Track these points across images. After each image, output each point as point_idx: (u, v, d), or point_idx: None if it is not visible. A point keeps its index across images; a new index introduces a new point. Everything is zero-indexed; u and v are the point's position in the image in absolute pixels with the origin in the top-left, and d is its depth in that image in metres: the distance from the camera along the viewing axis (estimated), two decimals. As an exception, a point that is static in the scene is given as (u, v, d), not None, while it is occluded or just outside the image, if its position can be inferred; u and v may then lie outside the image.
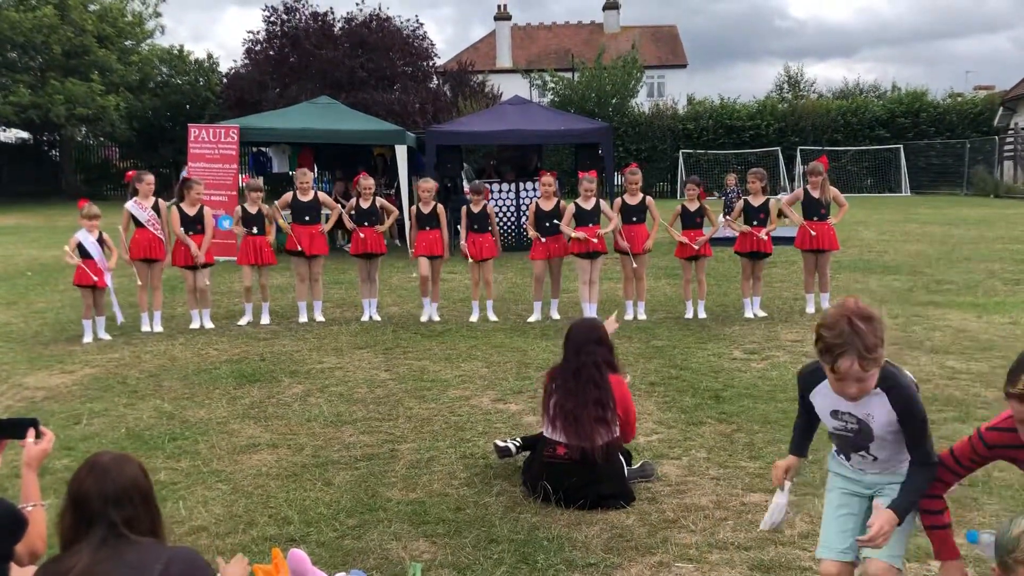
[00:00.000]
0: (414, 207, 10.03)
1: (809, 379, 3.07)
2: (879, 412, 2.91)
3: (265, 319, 9.76)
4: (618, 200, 9.85)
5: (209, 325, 9.51)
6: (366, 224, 9.96)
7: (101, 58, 35.25)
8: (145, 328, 9.33)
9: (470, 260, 9.82)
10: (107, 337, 8.97)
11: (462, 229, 9.87)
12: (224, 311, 10.41)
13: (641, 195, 9.82)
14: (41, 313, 10.46)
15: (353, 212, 10.03)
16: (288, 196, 9.98)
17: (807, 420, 3.28)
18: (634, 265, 9.62)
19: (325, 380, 7.24)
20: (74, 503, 2.47)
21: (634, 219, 9.71)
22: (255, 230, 9.72)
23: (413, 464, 5.25)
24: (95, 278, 8.82)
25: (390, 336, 8.99)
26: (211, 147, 15.73)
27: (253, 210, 9.77)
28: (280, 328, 9.50)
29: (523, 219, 16.94)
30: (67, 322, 9.86)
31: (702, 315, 9.72)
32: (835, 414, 3.01)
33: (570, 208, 9.57)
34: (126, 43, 39.00)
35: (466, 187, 18.89)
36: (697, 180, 10.07)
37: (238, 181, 16.12)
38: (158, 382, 7.22)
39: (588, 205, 9.53)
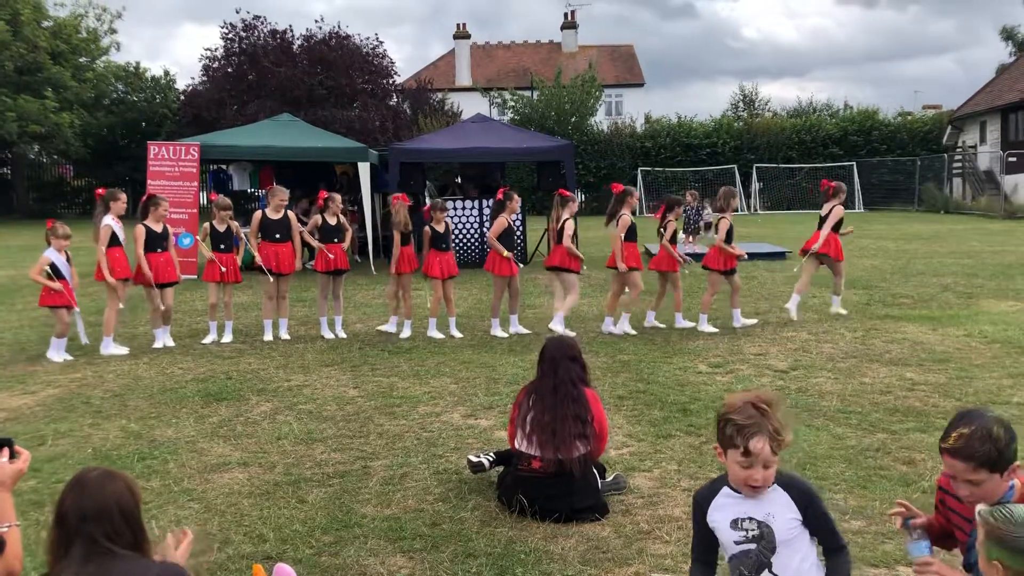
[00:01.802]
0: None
1: (706, 496, 2.95)
2: (779, 510, 2.84)
3: (228, 337, 9.69)
4: (627, 219, 9.73)
5: (170, 343, 9.41)
6: (335, 241, 9.96)
7: (55, 75, 34.76)
8: (158, 345, 9.33)
9: (431, 279, 9.84)
10: (70, 357, 8.83)
11: (425, 247, 9.91)
12: (187, 330, 10.31)
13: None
14: (-2, 333, 10.26)
15: (316, 230, 10.02)
16: (259, 215, 9.90)
17: (706, 550, 3.02)
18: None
19: (293, 398, 7.21)
20: (57, 519, 2.47)
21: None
22: (222, 247, 9.67)
23: (386, 480, 5.25)
24: (69, 299, 8.73)
25: (357, 353, 8.97)
26: (171, 165, 15.59)
27: (221, 228, 9.73)
28: (245, 346, 9.43)
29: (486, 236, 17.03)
30: (26, 342, 9.69)
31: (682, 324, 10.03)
32: (735, 524, 2.87)
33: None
34: (80, 60, 38.52)
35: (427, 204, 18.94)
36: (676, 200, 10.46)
37: (199, 199, 16.00)
38: (123, 402, 7.13)
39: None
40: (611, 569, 4.04)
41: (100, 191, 9.50)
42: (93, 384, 7.78)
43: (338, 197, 10.28)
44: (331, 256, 9.88)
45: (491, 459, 5.15)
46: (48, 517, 4.36)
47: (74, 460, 5.60)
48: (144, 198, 9.54)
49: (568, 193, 10.32)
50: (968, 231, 23.24)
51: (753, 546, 2.84)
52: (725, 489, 2.90)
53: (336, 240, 9.97)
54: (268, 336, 9.73)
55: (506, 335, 9.73)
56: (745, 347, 8.91)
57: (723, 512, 2.90)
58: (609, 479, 4.99)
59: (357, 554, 4.21)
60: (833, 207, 10.30)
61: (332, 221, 10.03)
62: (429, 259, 9.84)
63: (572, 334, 9.53)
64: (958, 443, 2.76)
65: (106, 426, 6.44)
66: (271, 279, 9.66)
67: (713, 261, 9.95)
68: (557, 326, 9.63)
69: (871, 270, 14.93)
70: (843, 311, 10.53)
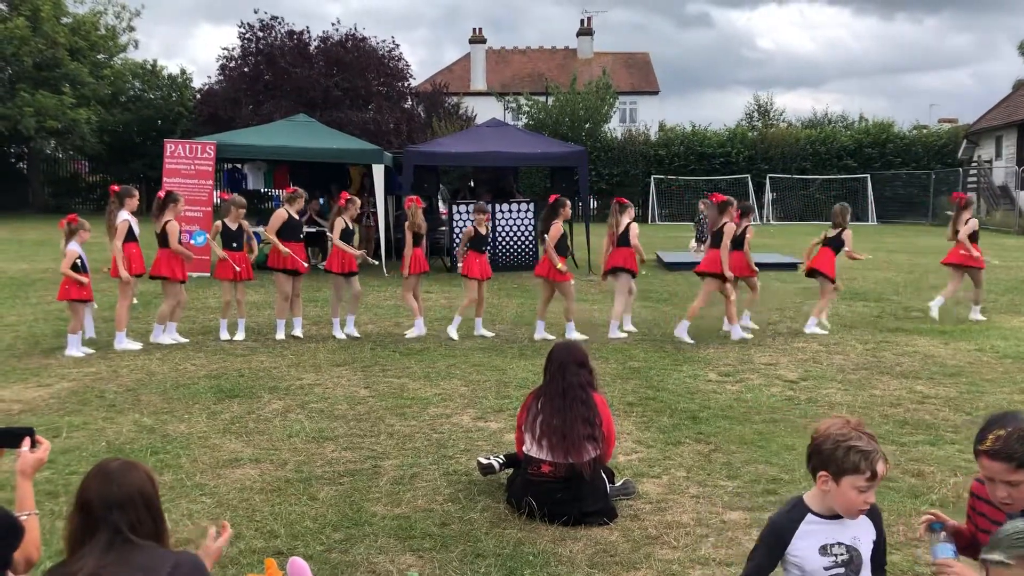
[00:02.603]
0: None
1: (788, 525, 2.86)
2: (863, 533, 2.89)
3: (240, 335, 9.75)
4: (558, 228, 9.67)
5: (182, 340, 9.53)
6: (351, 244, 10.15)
7: (73, 71, 34.94)
8: (164, 340, 9.42)
9: (469, 279, 9.99)
10: (90, 351, 8.91)
11: (461, 249, 10.10)
12: (200, 327, 10.38)
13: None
14: (13, 327, 10.35)
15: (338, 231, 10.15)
16: (284, 214, 9.92)
17: None
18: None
19: (305, 396, 7.26)
20: (80, 508, 2.51)
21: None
22: (234, 245, 9.76)
23: (397, 480, 5.29)
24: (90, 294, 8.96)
25: (368, 354, 9.01)
26: (187, 163, 15.69)
27: (234, 226, 9.82)
28: (257, 344, 9.49)
29: (504, 240, 17.09)
30: (41, 335, 9.78)
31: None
32: (824, 550, 2.84)
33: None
34: (98, 56, 38.70)
35: (442, 207, 19.03)
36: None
37: (214, 197, 16.10)
38: (136, 396, 7.20)
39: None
40: (618, 573, 4.06)
41: (115, 187, 9.58)
42: (107, 378, 7.85)
43: (358, 201, 10.38)
44: (369, 259, 10.11)
45: (501, 461, 5.19)
46: (64, 508, 4.43)
47: (88, 453, 5.66)
48: (163, 195, 9.61)
49: (626, 200, 10.56)
50: (982, 246, 23.09)
51: (842, 570, 2.85)
52: (810, 516, 2.85)
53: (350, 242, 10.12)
54: (280, 335, 9.79)
55: (553, 337, 9.69)
56: (756, 356, 8.91)
57: (811, 539, 2.84)
58: (618, 484, 5.02)
59: (367, 552, 4.25)
60: (968, 220, 11.01)
61: (351, 224, 10.16)
62: (468, 260, 10.00)
63: (584, 338, 9.59)
64: (996, 444, 2.75)
65: (120, 420, 6.50)
66: (305, 269, 9.89)
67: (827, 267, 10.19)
68: (616, 332, 10.00)
69: (883, 283, 14.91)
70: (982, 317, 11.01)
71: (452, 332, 9.85)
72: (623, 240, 9.98)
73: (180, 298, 9.54)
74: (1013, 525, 2.40)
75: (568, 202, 9.89)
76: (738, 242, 9.97)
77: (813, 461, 2.84)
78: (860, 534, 2.87)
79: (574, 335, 9.67)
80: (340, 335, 9.91)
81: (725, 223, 9.74)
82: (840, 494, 2.77)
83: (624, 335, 10.04)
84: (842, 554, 2.83)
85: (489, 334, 10.00)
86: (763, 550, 2.88)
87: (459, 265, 10.02)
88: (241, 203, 10.05)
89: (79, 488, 2.53)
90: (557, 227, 9.62)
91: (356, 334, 9.98)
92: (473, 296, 9.98)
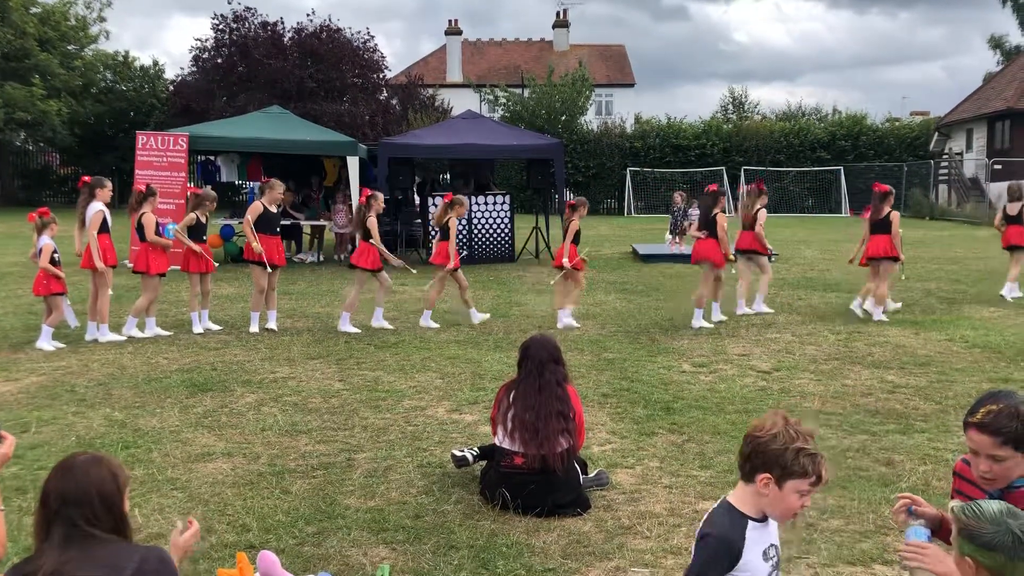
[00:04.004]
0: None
1: (737, 537, 2.65)
2: (776, 530, 2.79)
3: (198, 328, 9.66)
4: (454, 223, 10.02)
5: (165, 333, 9.48)
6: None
7: (43, 62, 34.51)
8: (135, 333, 9.34)
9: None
10: (61, 345, 8.80)
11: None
12: (172, 320, 10.29)
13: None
14: (-19, 320, 10.21)
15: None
16: (259, 207, 9.80)
17: None
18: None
19: (279, 390, 7.22)
20: (40, 502, 2.49)
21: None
22: (204, 239, 9.80)
23: (370, 473, 5.27)
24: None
25: (343, 347, 8.98)
26: (159, 155, 15.53)
27: (203, 219, 9.79)
28: (231, 338, 9.42)
29: (480, 232, 17.07)
30: (10, 329, 9.65)
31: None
32: (765, 555, 2.71)
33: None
34: (69, 47, 38.24)
35: (418, 200, 18.98)
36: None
37: (187, 190, 15.93)
38: (108, 391, 7.12)
39: None
40: (592, 563, 4.08)
41: (86, 178, 9.46)
42: (78, 372, 7.77)
43: (380, 196, 10.25)
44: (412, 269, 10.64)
45: (475, 454, 5.19)
46: (32, 503, 4.38)
47: (57, 448, 5.59)
48: (143, 188, 9.56)
49: (764, 187, 11.39)
50: (953, 237, 23.42)
51: (776, 572, 2.77)
52: (750, 523, 2.68)
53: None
54: (255, 328, 9.72)
55: (578, 325, 10.15)
56: (729, 347, 8.97)
57: (755, 547, 2.68)
58: (592, 475, 5.03)
59: (340, 544, 4.24)
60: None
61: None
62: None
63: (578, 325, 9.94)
64: (986, 418, 2.78)
65: (90, 414, 6.43)
66: (269, 271, 9.67)
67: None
68: (760, 307, 10.80)
69: (856, 274, 15.01)
70: (1020, 293, 11.67)
71: (476, 317, 10.24)
72: (751, 224, 10.83)
73: (156, 292, 9.49)
74: (1000, 505, 2.39)
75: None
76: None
77: (753, 461, 2.64)
78: (775, 531, 2.77)
79: (569, 321, 10.14)
80: (350, 328, 9.79)
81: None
82: (781, 498, 2.61)
83: (757, 311, 10.88)
84: (775, 556, 2.75)
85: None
86: (717, 569, 2.62)
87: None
88: (212, 196, 10.07)
89: (44, 483, 2.51)
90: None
91: (388, 325, 10.05)
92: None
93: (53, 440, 5.81)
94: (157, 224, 9.39)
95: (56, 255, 8.74)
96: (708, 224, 10.22)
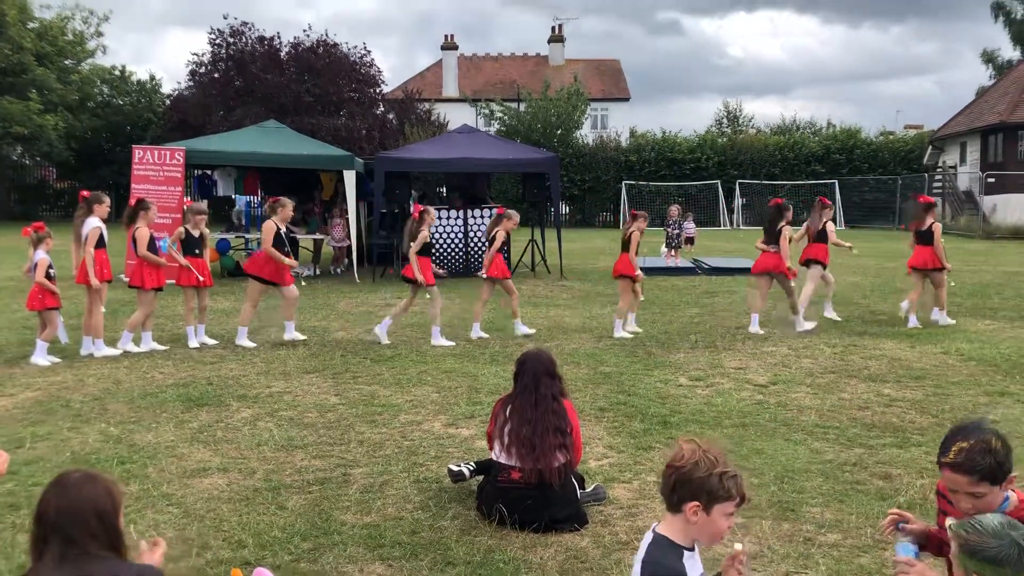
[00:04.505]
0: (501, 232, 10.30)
1: (679, 565, 2.63)
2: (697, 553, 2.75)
3: (194, 343, 9.66)
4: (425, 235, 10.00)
5: (161, 347, 9.47)
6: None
7: (40, 76, 34.57)
8: (134, 348, 9.32)
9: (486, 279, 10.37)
10: (57, 360, 8.78)
11: (492, 252, 10.19)
12: (168, 335, 10.27)
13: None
14: (-24, 335, 10.18)
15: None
16: (274, 227, 9.75)
17: None
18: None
19: (274, 404, 7.20)
20: (35, 519, 2.48)
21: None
22: (196, 252, 9.80)
23: (366, 488, 5.25)
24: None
25: (339, 361, 8.96)
26: (156, 169, 15.53)
27: (196, 233, 9.79)
28: (226, 352, 9.40)
29: (477, 245, 17.07)
30: (5, 344, 9.62)
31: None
32: None
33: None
34: (66, 62, 38.32)
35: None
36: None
37: (183, 204, 15.94)
38: (103, 405, 7.10)
39: None
40: (589, 579, 4.06)
41: (84, 193, 9.46)
42: (73, 387, 7.74)
43: (432, 211, 10.39)
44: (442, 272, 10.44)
45: (471, 468, 5.17)
46: (26, 520, 4.35)
47: (52, 464, 5.57)
48: (134, 202, 9.55)
49: (828, 201, 11.89)
50: (947, 250, 23.41)
51: None
52: (684, 552, 2.66)
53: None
54: (244, 341, 9.69)
55: (628, 335, 10.38)
56: (725, 361, 8.97)
57: (694, 572, 2.67)
58: (589, 490, 5.02)
59: (336, 561, 4.22)
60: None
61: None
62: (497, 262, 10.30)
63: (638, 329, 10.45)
64: (959, 457, 2.76)
65: (85, 430, 6.41)
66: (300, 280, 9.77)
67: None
68: (805, 323, 10.84)
69: (851, 287, 15.07)
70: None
71: (522, 328, 10.43)
72: (821, 236, 11.20)
73: (152, 307, 9.47)
74: (1000, 518, 2.39)
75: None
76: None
77: (679, 492, 2.63)
78: (699, 557, 2.74)
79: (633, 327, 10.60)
80: (447, 342, 9.90)
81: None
82: (710, 523, 2.62)
83: (834, 317, 11.43)
84: None
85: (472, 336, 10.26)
86: None
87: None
88: (200, 210, 10.13)
89: (38, 499, 2.50)
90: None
91: (485, 334, 10.29)
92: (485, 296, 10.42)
93: (48, 456, 5.78)
94: (152, 239, 9.38)
95: (52, 270, 8.73)
96: (774, 237, 10.58)
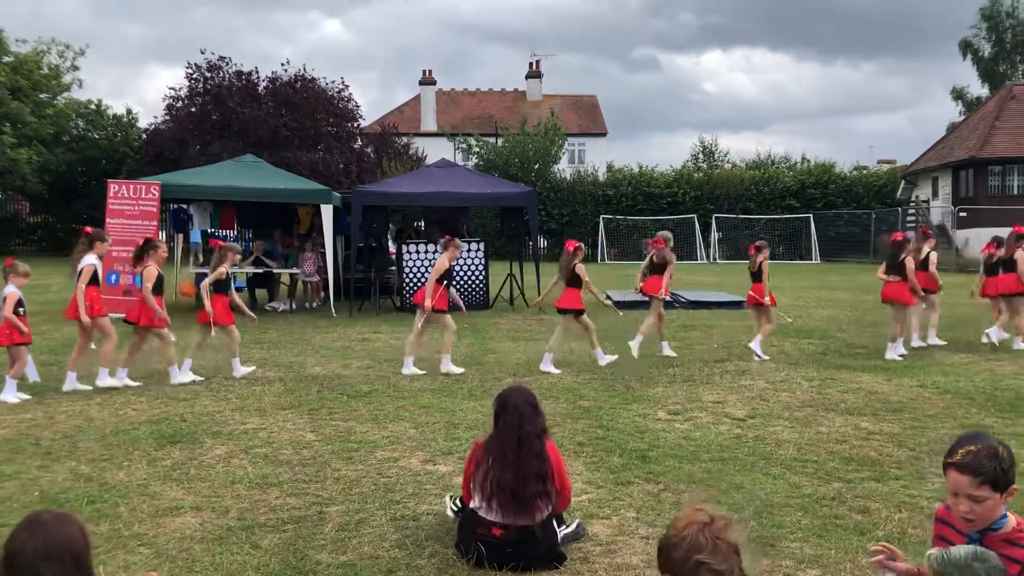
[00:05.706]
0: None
1: None
2: None
3: (188, 376, 9.57)
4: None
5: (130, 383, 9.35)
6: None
7: (14, 110, 34.40)
8: (116, 383, 9.25)
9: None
10: (27, 396, 8.63)
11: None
12: (140, 371, 10.13)
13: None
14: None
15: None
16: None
17: None
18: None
19: (249, 441, 7.10)
20: (7, 560, 2.42)
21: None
22: (226, 291, 10.04)
23: (342, 526, 5.17)
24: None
25: (315, 396, 8.87)
26: (131, 203, 15.43)
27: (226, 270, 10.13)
28: (200, 388, 9.29)
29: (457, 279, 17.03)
30: (-26, 381, 9.44)
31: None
32: None
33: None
34: (41, 96, 38.15)
35: (391, 247, 18.97)
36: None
37: (159, 238, 15.82)
38: (74, 443, 6.97)
39: None
40: (569, 618, 4.00)
41: (88, 229, 9.50)
42: (43, 425, 7.60)
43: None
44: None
45: (456, 508, 5.09)
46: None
47: (20, 503, 5.44)
48: (143, 242, 9.65)
49: (929, 232, 12.93)
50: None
51: None
52: None
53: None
54: (241, 372, 9.67)
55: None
56: (704, 395, 8.96)
57: None
58: (570, 529, 4.90)
59: (311, 602, 4.14)
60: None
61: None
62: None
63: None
64: (966, 458, 2.83)
65: (55, 468, 6.28)
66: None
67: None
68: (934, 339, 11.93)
69: (827, 320, 15.16)
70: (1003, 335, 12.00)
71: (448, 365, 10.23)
72: (923, 266, 11.91)
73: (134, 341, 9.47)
74: (968, 550, 2.43)
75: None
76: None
77: (658, 562, 2.45)
78: None
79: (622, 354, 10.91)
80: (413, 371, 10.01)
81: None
82: None
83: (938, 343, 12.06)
84: None
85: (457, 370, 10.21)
86: None
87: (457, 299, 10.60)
88: (236, 249, 10.66)
89: (7, 540, 2.43)
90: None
91: (455, 370, 10.18)
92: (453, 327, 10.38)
93: (15, 495, 5.66)
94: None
95: (21, 308, 8.62)
96: (897, 268, 11.22)
